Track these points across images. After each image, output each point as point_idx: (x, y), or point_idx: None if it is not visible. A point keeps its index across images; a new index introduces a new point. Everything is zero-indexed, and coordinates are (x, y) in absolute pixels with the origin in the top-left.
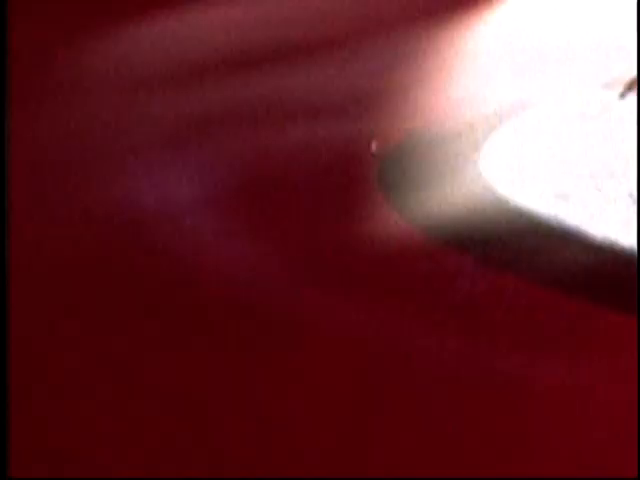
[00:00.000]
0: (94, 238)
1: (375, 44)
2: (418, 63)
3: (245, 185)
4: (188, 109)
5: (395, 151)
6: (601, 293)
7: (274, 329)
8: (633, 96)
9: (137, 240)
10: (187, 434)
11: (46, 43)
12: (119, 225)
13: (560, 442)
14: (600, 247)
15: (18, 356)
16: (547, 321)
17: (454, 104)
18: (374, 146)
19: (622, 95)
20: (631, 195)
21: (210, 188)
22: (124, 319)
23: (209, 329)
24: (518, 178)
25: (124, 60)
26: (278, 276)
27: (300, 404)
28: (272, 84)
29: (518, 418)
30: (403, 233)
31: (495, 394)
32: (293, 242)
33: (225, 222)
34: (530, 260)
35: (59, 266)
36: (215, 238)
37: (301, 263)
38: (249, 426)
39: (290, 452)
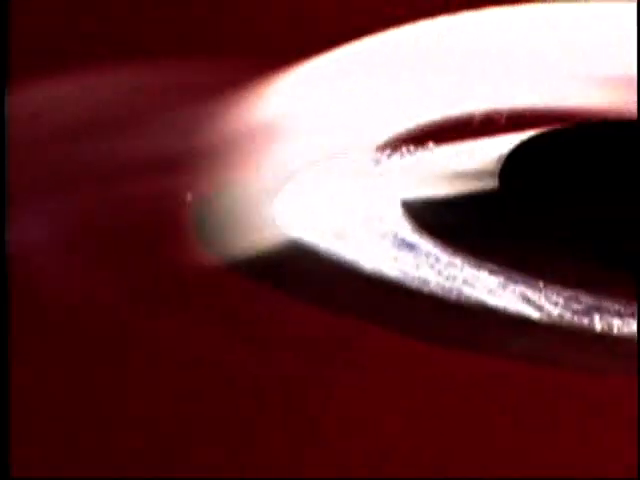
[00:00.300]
0: None
1: (189, 112)
2: (224, 127)
3: (91, 230)
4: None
5: (207, 201)
6: (371, 313)
7: (108, 343)
8: (398, 156)
9: None
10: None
11: None
12: None
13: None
14: (369, 277)
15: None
16: (325, 337)
17: (255, 161)
18: (189, 197)
19: (389, 155)
20: (395, 236)
21: (61, 232)
22: None
23: (58, 345)
24: (305, 222)
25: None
26: (113, 304)
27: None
28: (110, 147)
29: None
30: (211, 266)
31: (293, 402)
32: (122, 277)
33: (71, 260)
34: (313, 287)
35: None
36: (62, 272)
37: (130, 293)
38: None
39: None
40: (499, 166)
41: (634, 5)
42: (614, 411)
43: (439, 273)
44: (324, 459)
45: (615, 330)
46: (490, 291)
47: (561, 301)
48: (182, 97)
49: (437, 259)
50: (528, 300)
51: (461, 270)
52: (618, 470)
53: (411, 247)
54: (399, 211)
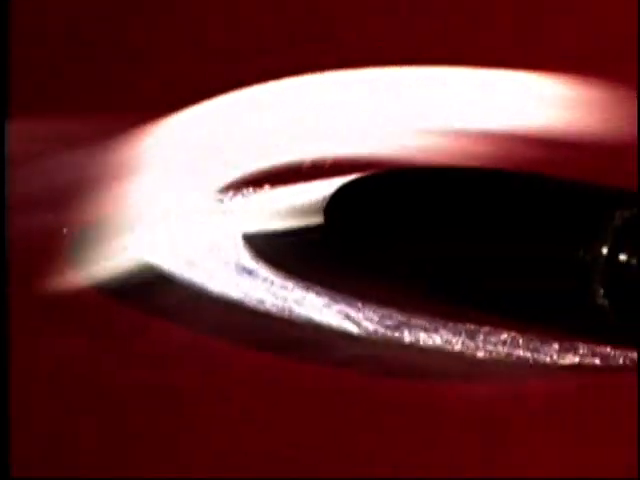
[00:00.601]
0: None
1: (68, 158)
2: (96, 171)
3: None
4: None
5: (80, 234)
6: (217, 329)
7: None
8: (239, 197)
9: None
10: None
11: None
12: None
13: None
14: (216, 297)
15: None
16: (180, 349)
17: (120, 201)
18: (65, 230)
19: (232, 196)
20: (237, 263)
21: None
22: None
23: None
24: (163, 251)
25: None
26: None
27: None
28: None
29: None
30: (84, 289)
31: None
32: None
33: None
34: (169, 307)
35: None
36: None
37: (13, 311)
38: None
39: None
40: (324, 205)
41: (457, 70)
42: (428, 410)
43: (274, 294)
44: (184, 458)
45: (421, 342)
46: (317, 310)
47: (376, 318)
48: (63, 146)
49: (272, 283)
50: (349, 317)
51: (292, 292)
52: (437, 468)
53: (250, 273)
54: (240, 242)
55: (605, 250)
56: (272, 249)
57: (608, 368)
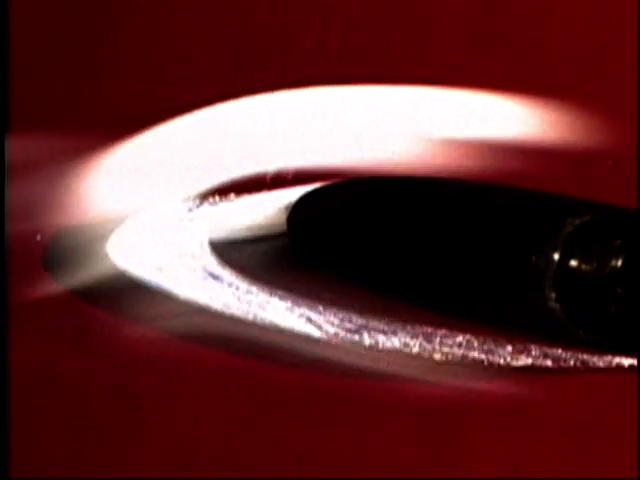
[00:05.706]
0: None
1: (44, 171)
2: (68, 181)
3: None
4: None
5: (54, 240)
6: (185, 332)
7: None
8: (206, 205)
9: None
10: None
11: None
12: None
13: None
14: (183, 302)
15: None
16: (148, 351)
17: (93, 206)
18: (39, 237)
19: (199, 205)
20: (204, 269)
21: None
22: None
23: None
24: (133, 257)
25: None
26: None
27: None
28: None
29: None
30: (59, 294)
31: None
32: None
33: None
34: (139, 310)
35: None
36: None
37: None
38: None
39: None
40: (287, 212)
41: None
42: (386, 410)
43: (239, 299)
44: (148, 458)
45: (380, 345)
46: (280, 313)
47: (336, 321)
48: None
49: (237, 288)
50: (310, 321)
51: (256, 296)
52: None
53: (216, 278)
54: (207, 249)
55: (556, 256)
56: (237, 255)
57: (559, 370)
